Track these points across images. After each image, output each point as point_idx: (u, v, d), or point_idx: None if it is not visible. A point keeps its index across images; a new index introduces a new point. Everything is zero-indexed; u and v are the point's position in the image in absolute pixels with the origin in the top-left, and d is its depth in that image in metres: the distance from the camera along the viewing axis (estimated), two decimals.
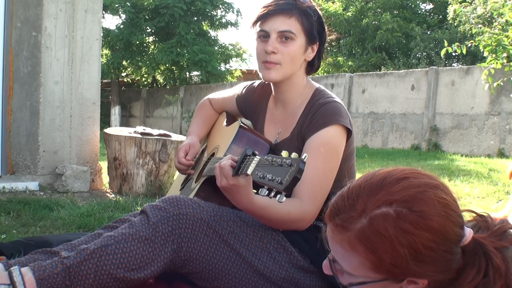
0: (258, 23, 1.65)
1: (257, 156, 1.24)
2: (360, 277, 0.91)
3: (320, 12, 1.71)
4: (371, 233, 0.86)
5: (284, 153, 1.17)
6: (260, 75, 1.69)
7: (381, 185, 0.90)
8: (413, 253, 0.85)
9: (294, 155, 1.16)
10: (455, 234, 0.89)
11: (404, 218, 0.86)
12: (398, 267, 0.86)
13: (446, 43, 5.84)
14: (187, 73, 17.68)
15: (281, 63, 1.63)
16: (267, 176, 1.16)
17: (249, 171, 1.22)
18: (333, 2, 16.85)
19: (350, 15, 16.05)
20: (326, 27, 1.73)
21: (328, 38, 1.77)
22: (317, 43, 1.69)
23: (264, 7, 1.65)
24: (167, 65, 17.51)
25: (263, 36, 1.64)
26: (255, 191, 1.38)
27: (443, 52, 5.82)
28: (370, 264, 0.88)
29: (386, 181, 0.90)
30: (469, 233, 0.92)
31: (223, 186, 1.37)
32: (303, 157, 1.15)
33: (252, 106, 1.89)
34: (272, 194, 1.16)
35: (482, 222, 0.98)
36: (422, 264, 0.86)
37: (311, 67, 1.74)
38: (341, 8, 16.50)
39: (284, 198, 1.15)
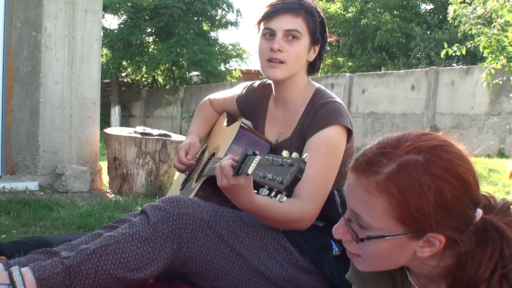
0: (264, 21, 1.64)
1: (257, 156, 1.24)
2: (378, 231, 0.90)
3: (322, 14, 1.72)
4: (401, 175, 0.87)
5: (285, 153, 1.17)
6: (264, 73, 1.68)
7: (408, 136, 0.92)
8: (439, 200, 0.86)
9: (294, 155, 1.16)
10: (476, 193, 0.90)
11: (433, 163, 0.87)
12: (423, 215, 0.86)
13: (446, 45, 5.84)
14: (187, 72, 17.68)
15: (286, 61, 1.63)
16: (268, 175, 1.16)
17: (250, 171, 1.22)
18: (333, 3, 16.83)
19: (350, 15, 16.04)
20: (327, 29, 1.73)
21: (329, 39, 1.77)
22: (319, 44, 1.70)
23: (270, 5, 1.64)
24: (167, 65, 17.51)
25: (269, 34, 1.63)
26: (256, 191, 1.38)
27: (443, 53, 5.82)
28: (396, 209, 0.87)
29: (412, 134, 0.93)
30: (479, 212, 0.92)
31: (223, 186, 1.36)
32: (303, 157, 1.15)
33: (252, 106, 1.89)
34: (273, 194, 1.16)
35: (485, 200, 0.98)
36: (446, 214, 0.87)
37: (313, 68, 1.74)
38: (342, 9, 16.49)
39: (285, 198, 1.15)
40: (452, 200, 0.86)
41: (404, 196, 0.86)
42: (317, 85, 1.75)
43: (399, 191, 0.87)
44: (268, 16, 1.63)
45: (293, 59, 1.63)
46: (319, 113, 1.61)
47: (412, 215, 0.87)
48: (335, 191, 1.03)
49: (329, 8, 15.99)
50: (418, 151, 0.89)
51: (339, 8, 16.38)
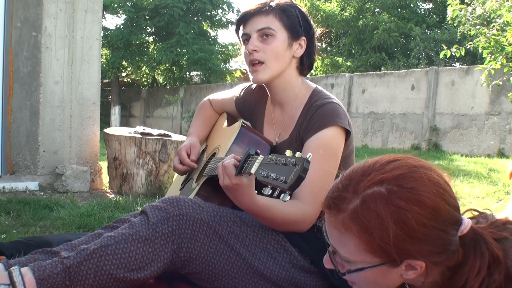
0: (240, 30, 1.69)
1: (260, 156, 1.23)
2: (358, 263, 0.91)
3: (302, 8, 1.71)
4: (363, 211, 0.88)
5: (288, 153, 1.17)
6: (251, 79, 1.71)
7: (373, 167, 0.92)
8: (405, 230, 0.86)
9: (298, 154, 1.16)
10: (448, 214, 0.89)
11: (395, 195, 0.87)
12: (392, 245, 0.86)
13: (444, 47, 5.84)
14: (187, 72, 17.68)
15: (265, 61, 1.64)
16: (271, 175, 1.16)
17: (253, 170, 1.22)
18: (330, 2, 16.81)
19: (348, 15, 16.02)
20: (312, 22, 1.71)
21: (318, 31, 1.74)
22: (304, 38, 1.68)
23: (241, 13, 1.71)
24: (167, 65, 17.50)
25: (246, 39, 1.67)
26: (258, 190, 1.38)
27: (441, 54, 5.83)
28: (365, 245, 0.88)
29: (378, 164, 0.92)
30: (467, 223, 0.92)
31: (226, 186, 1.36)
32: (307, 156, 1.15)
33: (251, 108, 1.89)
34: (276, 193, 1.16)
35: (482, 217, 0.99)
36: (416, 242, 0.86)
37: (303, 65, 1.72)
38: (339, 8, 16.46)
39: (288, 197, 1.15)
40: (419, 228, 0.86)
41: (368, 232, 0.87)
42: (314, 85, 1.74)
43: (362, 228, 0.87)
44: (241, 22, 1.68)
45: (271, 57, 1.64)
46: (316, 115, 1.60)
47: (382, 247, 0.87)
48: (318, 224, 1.05)
49: (327, 8, 15.96)
50: (381, 182, 0.89)
51: (335, 7, 16.35)
